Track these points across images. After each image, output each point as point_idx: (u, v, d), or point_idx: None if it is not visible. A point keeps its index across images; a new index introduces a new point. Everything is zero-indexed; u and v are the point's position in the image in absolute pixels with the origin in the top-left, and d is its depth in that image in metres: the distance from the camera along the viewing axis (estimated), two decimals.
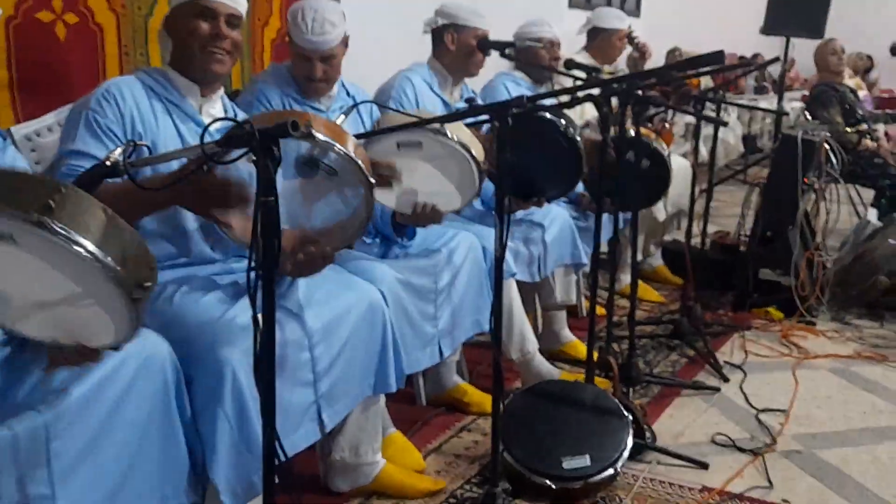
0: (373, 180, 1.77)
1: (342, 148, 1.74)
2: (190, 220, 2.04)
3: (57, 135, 2.09)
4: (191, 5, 1.99)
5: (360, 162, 1.74)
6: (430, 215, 2.39)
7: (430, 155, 2.28)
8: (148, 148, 1.85)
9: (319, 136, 1.71)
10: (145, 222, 1.90)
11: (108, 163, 1.38)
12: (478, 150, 2.32)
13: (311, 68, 2.50)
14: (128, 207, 1.53)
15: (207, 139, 2.00)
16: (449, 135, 2.24)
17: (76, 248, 1.23)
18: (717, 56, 2.13)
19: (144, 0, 2.90)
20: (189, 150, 1.62)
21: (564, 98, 2.60)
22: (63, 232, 1.23)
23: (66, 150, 1.89)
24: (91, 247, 1.26)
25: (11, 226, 1.21)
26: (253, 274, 1.45)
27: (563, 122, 2.80)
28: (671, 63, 5.65)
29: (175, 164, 1.91)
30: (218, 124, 2.05)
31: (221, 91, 2.15)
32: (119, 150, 1.45)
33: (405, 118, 2.28)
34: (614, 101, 2.58)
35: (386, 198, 2.31)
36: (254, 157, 1.38)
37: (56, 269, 1.29)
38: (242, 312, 1.83)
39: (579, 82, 3.05)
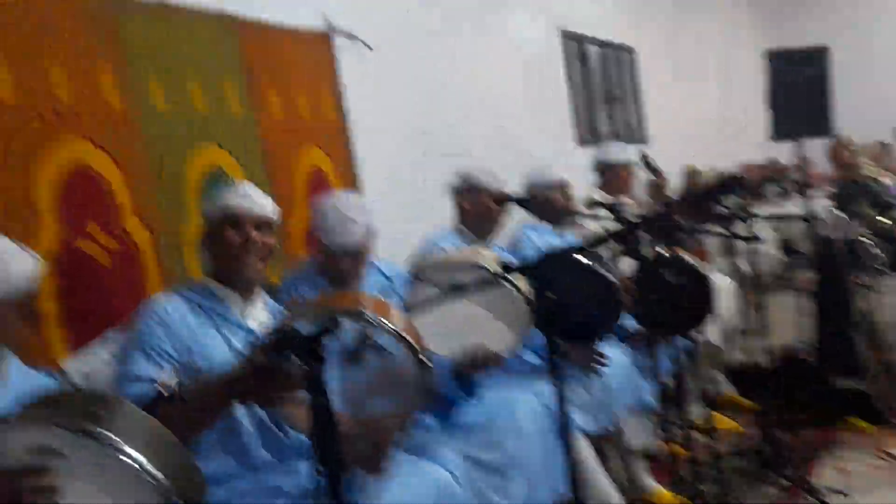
0: (425, 359, 1.71)
1: (392, 326, 1.71)
2: (245, 425, 1.98)
3: (107, 365, 2.07)
4: (220, 216, 2.03)
5: (411, 340, 1.70)
6: (486, 359, 2.31)
7: (476, 294, 2.23)
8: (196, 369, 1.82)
9: (370, 315, 1.69)
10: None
11: (160, 389, 1.34)
12: (523, 285, 2.27)
13: (339, 265, 2.51)
14: (187, 425, 1.49)
15: (253, 340, 1.99)
16: (490, 269, 2.21)
17: (123, 457, 1.21)
18: (736, 181, 2.13)
19: (174, 212, 2.95)
20: (239, 364, 1.60)
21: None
22: (110, 440, 1.21)
23: (122, 375, 1.88)
24: (138, 456, 1.24)
25: (59, 438, 1.21)
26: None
27: (594, 262, 2.79)
28: (692, 191, 5.71)
29: None
30: (262, 322, 2.04)
31: (261, 292, 2.14)
32: (168, 374, 1.42)
33: (442, 258, 2.26)
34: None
35: (435, 345, 2.23)
36: (300, 363, 1.34)
37: (104, 489, 1.26)
38: None
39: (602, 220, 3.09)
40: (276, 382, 1.60)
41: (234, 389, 1.62)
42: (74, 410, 1.29)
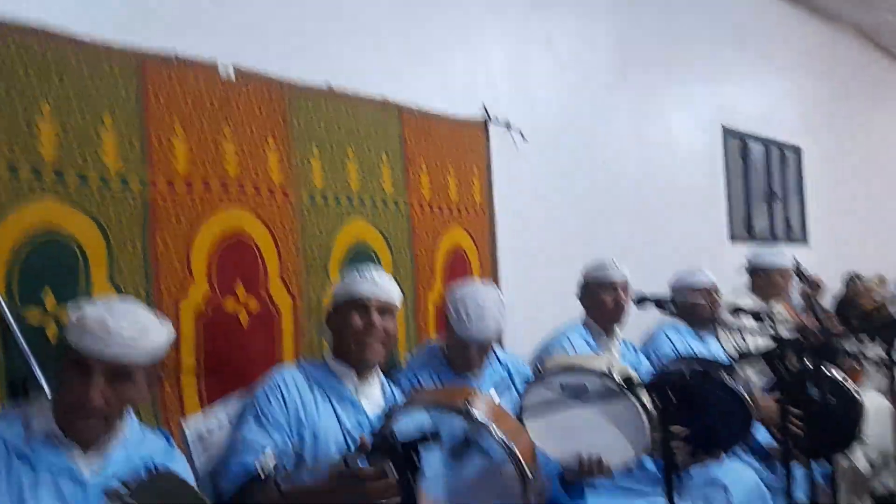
0: (531, 475, 1.72)
1: (500, 433, 1.73)
2: None
3: (224, 426, 2.19)
4: (347, 300, 2.16)
5: (517, 453, 1.71)
6: (597, 468, 2.25)
7: (595, 401, 2.20)
8: (299, 455, 1.90)
9: (478, 416, 1.71)
10: None
11: (260, 473, 1.43)
12: (646, 396, 2.22)
13: (468, 356, 2.54)
14: None
15: (366, 422, 2.06)
16: (616, 377, 2.18)
17: None
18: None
19: (317, 281, 3.13)
20: (335, 464, 1.65)
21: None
22: None
23: (234, 439, 2.00)
24: None
25: None
26: None
27: (726, 375, 2.69)
28: (848, 306, 5.37)
29: (334, 449, 1.96)
30: (376, 408, 2.11)
31: (378, 373, 2.23)
32: (270, 455, 1.49)
33: (569, 360, 2.24)
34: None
35: (549, 446, 2.22)
36: (395, 473, 1.38)
37: None
38: None
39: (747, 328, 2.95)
40: (370, 489, 1.64)
41: (329, 493, 1.67)
42: None
